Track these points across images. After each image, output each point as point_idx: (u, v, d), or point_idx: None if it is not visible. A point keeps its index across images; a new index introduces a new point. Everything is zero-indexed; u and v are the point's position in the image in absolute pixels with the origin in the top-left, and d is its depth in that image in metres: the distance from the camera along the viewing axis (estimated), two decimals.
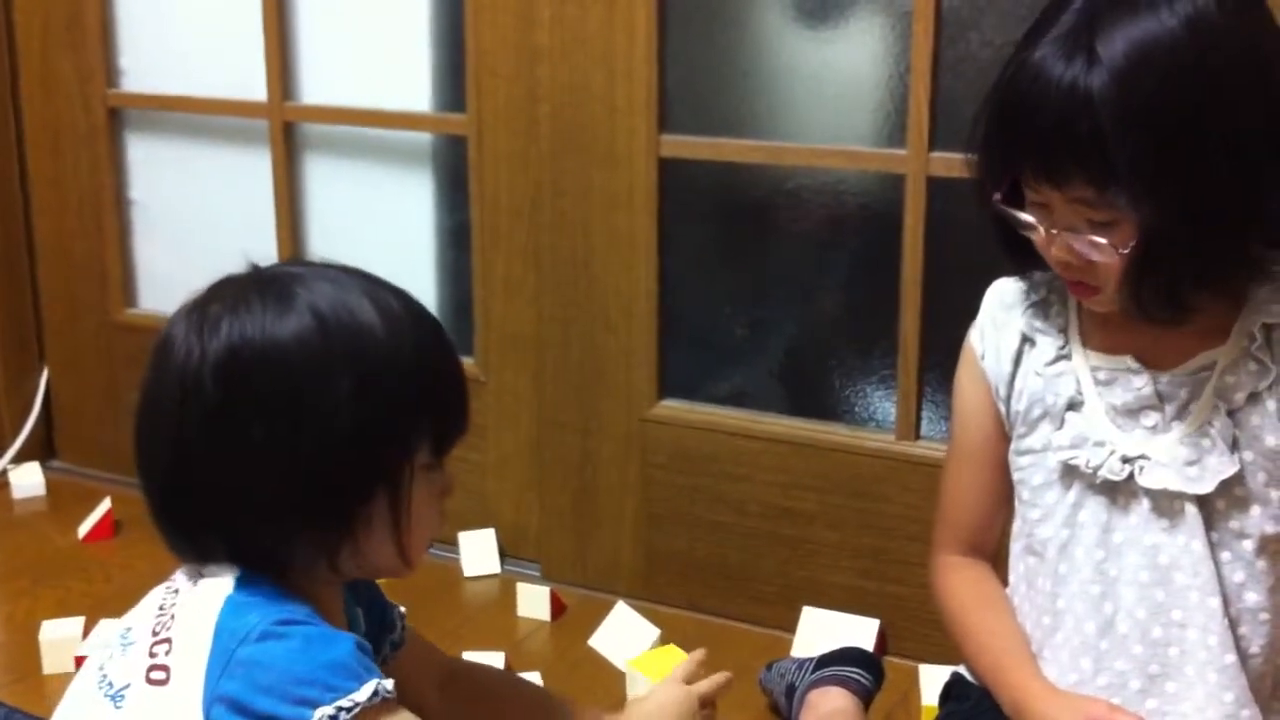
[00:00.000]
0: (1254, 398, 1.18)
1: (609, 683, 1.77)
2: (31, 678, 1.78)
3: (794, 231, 1.95)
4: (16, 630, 1.91)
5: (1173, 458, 1.20)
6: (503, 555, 2.10)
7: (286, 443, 0.96)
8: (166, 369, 0.98)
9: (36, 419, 2.45)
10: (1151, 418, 1.21)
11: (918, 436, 1.83)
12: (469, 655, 1.77)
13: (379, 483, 1.00)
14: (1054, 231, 1.15)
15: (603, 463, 2.01)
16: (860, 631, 1.78)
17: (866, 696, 1.51)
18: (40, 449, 2.46)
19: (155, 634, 1.00)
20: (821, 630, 1.79)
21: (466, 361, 2.10)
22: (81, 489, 2.31)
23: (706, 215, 2.01)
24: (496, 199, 2.02)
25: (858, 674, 1.51)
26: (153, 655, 0.99)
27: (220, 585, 0.99)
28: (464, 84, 2.01)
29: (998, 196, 1.18)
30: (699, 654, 1.28)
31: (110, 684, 1.01)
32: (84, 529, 2.17)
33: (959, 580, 1.35)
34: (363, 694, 0.93)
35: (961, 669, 1.40)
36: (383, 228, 2.20)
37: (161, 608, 1.01)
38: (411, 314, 1.05)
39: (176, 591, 1.02)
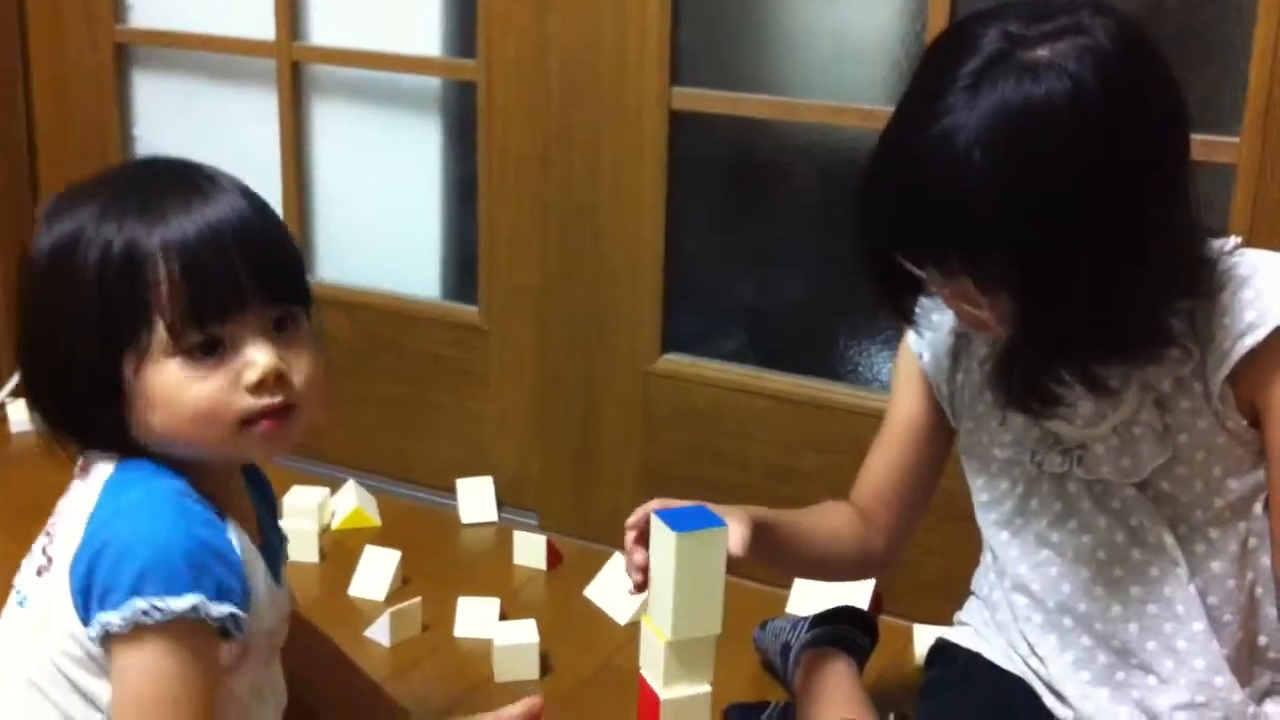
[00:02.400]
0: (1180, 382, 1.18)
1: (603, 633, 1.77)
2: None
3: (804, 189, 1.94)
4: (12, 565, 1.91)
5: (1107, 447, 1.20)
6: (500, 504, 2.10)
7: (53, 319, 1.06)
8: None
9: None
10: (1086, 406, 1.21)
11: None
12: (464, 600, 1.78)
13: (104, 359, 1.04)
14: (945, 292, 1.14)
15: (605, 416, 2.01)
16: (856, 591, 1.78)
17: (861, 657, 1.51)
18: None
19: (47, 534, 1.09)
20: (816, 589, 1.79)
21: (469, 309, 2.09)
22: None
23: (716, 171, 1.99)
24: (505, 148, 2.01)
25: (853, 634, 1.51)
26: (43, 552, 1.08)
27: (101, 472, 1.07)
28: (475, 30, 1.99)
29: (894, 254, 1.14)
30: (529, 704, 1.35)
31: (18, 591, 1.10)
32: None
33: (827, 508, 1.41)
34: (179, 604, 0.99)
35: (945, 633, 1.41)
36: (388, 172, 2.19)
37: (56, 512, 1.10)
38: (193, 210, 1.07)
39: (68, 494, 1.10)
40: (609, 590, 1.85)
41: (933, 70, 1.10)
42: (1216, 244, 1.17)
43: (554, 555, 1.96)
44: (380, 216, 2.20)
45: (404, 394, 2.17)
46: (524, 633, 1.67)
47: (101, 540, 1.01)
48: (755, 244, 1.97)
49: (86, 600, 1.01)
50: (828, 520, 1.39)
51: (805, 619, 1.57)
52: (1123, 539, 1.22)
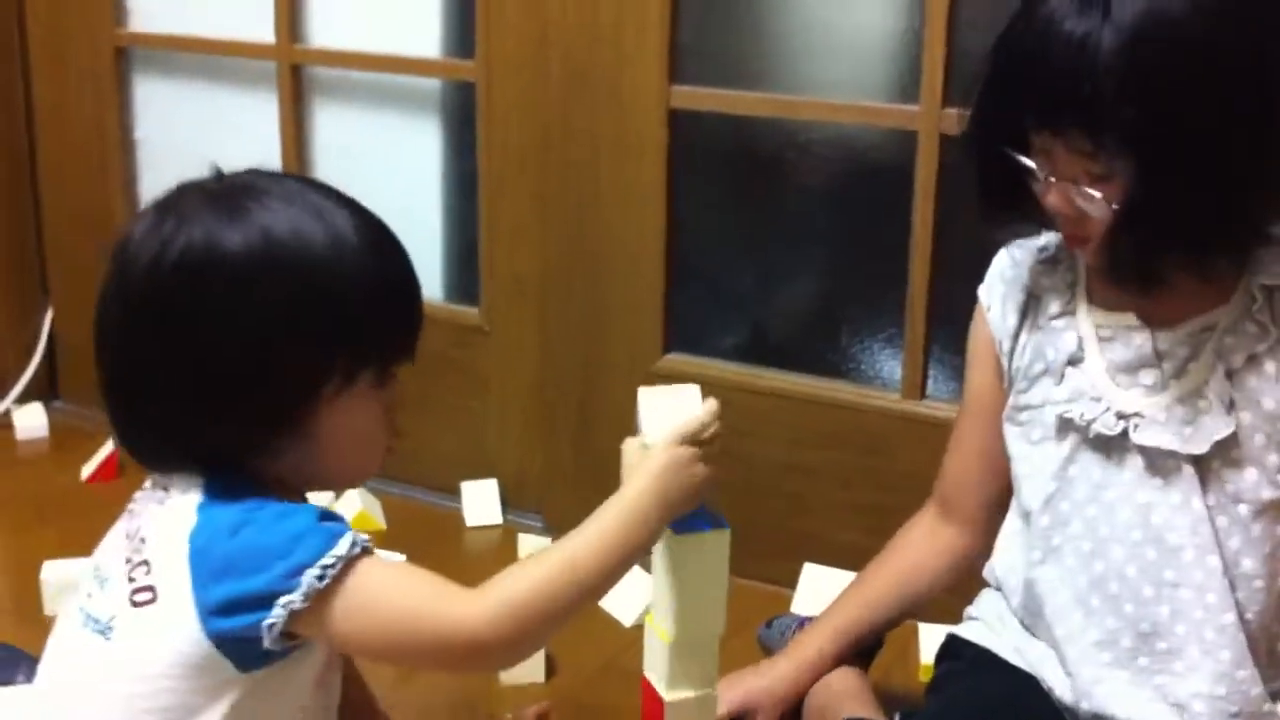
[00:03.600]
0: (1253, 360, 1.19)
1: (608, 634, 1.77)
2: (31, 618, 1.79)
3: (804, 186, 1.93)
4: (19, 571, 1.91)
5: (1169, 416, 1.20)
6: (505, 506, 2.10)
7: (220, 351, 0.98)
8: (121, 269, 1.01)
9: (40, 359, 2.45)
10: (1150, 376, 1.21)
11: (923, 395, 1.82)
12: None
13: (302, 400, 1.01)
14: (1052, 180, 1.16)
15: (607, 416, 2.01)
16: None
17: (867, 656, 1.50)
18: (44, 389, 2.45)
19: (130, 561, 1.02)
20: (822, 586, 1.79)
21: (470, 311, 2.09)
22: (85, 429, 2.31)
23: (717, 167, 1.99)
24: (505, 146, 2.00)
25: None
26: (132, 580, 1.01)
27: (189, 498, 1.01)
28: (473, 30, 1.99)
29: (1001, 140, 1.18)
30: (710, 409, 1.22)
31: (95, 620, 1.03)
32: (87, 470, 2.17)
33: (900, 535, 1.46)
34: (341, 547, 0.97)
35: (957, 630, 1.41)
36: (389, 173, 2.18)
37: (129, 536, 1.04)
38: (365, 242, 1.04)
39: (138, 515, 1.04)
40: (614, 591, 1.84)
41: None
42: None
43: None
44: (381, 218, 2.19)
45: (407, 395, 2.16)
46: None
47: (228, 558, 0.97)
48: (757, 241, 1.97)
49: (234, 613, 0.97)
50: (900, 569, 1.44)
51: (811, 618, 1.57)
52: (1159, 520, 1.21)
